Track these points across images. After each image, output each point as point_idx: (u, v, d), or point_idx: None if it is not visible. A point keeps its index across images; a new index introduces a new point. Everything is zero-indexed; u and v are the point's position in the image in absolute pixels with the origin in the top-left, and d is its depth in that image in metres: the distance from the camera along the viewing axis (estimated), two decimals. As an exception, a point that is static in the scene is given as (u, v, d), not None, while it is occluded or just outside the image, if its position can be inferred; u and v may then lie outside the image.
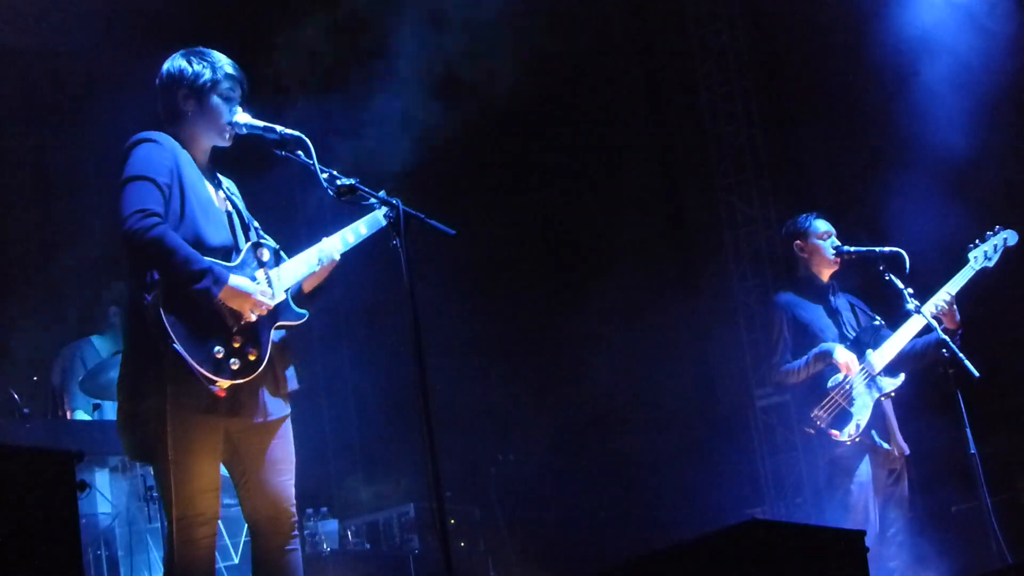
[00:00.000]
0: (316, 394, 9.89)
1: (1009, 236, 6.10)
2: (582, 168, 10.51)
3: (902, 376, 5.98)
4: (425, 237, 4.28)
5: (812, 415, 5.90)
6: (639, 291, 10.23)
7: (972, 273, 6.04)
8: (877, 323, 6.14)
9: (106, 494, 6.72)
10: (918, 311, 5.94)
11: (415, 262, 3.96)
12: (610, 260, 10.11)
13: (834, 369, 5.96)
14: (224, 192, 4.34)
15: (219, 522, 4.11)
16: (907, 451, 6.02)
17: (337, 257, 4.32)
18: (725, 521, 5.75)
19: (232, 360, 3.96)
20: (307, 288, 4.32)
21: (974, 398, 5.83)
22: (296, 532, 4.21)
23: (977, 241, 6.10)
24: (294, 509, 4.22)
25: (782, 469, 9.75)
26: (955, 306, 5.94)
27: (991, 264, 6.05)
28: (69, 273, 8.85)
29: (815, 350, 5.98)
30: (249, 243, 4.20)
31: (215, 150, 4.36)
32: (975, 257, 6.06)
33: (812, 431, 5.89)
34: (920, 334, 6.00)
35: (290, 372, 4.29)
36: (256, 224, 4.37)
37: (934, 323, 5.94)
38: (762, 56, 10.30)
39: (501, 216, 9.62)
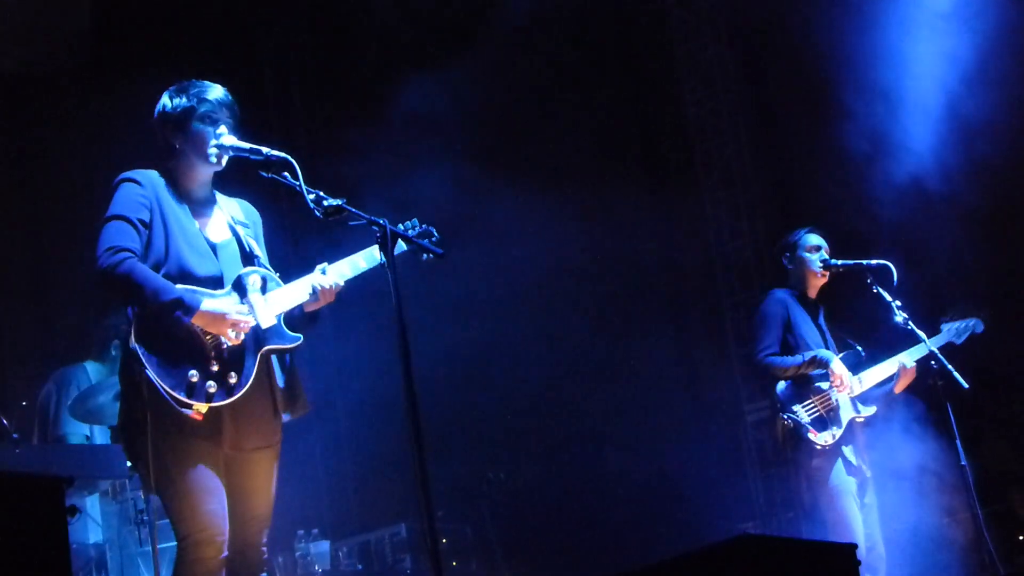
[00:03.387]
0: (306, 414, 9.83)
1: (977, 324, 6.29)
2: (567, 184, 10.52)
3: (875, 408, 6.04)
4: (415, 256, 4.29)
5: (793, 408, 5.93)
6: (627, 306, 10.24)
7: (940, 344, 6.13)
8: (859, 351, 6.18)
9: (96, 519, 6.69)
10: (907, 323, 6.00)
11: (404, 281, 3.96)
12: (598, 275, 10.12)
13: (821, 376, 5.99)
14: (229, 220, 4.33)
15: None
16: (870, 474, 6.05)
17: (342, 282, 4.29)
18: (717, 536, 5.77)
19: (208, 383, 3.94)
20: (308, 308, 4.29)
21: (964, 409, 5.87)
22: (265, 571, 4.17)
23: (950, 316, 6.23)
24: (265, 549, 4.17)
25: (773, 483, 9.74)
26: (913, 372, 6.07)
27: (959, 342, 6.18)
28: (59, 298, 8.82)
29: (813, 353, 5.99)
30: (240, 272, 4.17)
31: (216, 176, 4.35)
32: (947, 329, 6.19)
33: (790, 424, 5.90)
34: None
35: (293, 402, 4.27)
36: (260, 252, 4.34)
37: (923, 336, 6.00)
38: (747, 71, 10.34)
39: (490, 234, 9.61)
